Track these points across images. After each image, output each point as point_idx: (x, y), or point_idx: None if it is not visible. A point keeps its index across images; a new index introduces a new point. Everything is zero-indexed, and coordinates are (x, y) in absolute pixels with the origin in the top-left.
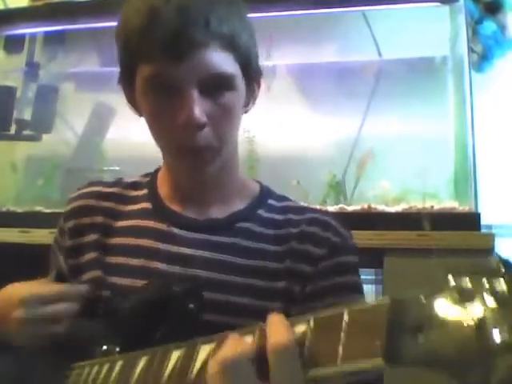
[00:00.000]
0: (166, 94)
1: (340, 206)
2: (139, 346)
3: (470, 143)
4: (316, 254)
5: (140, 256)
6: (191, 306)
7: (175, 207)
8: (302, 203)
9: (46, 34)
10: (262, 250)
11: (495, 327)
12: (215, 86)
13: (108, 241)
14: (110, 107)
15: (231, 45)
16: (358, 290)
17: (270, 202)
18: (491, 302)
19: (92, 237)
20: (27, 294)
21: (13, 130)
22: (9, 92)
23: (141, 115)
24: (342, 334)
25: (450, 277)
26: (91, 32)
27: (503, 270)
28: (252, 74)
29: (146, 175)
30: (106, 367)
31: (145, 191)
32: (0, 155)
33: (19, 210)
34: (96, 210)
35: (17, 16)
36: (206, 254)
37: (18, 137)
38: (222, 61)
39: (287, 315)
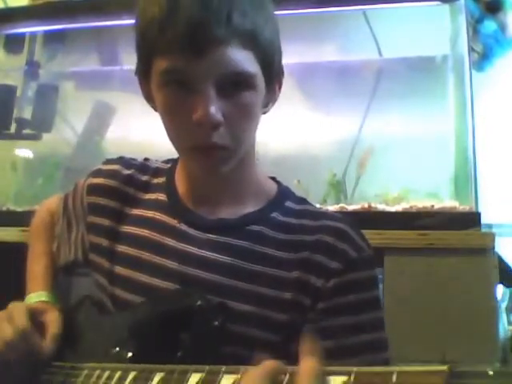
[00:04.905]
0: (182, 91)
1: (340, 205)
2: (152, 353)
3: (470, 142)
4: (329, 267)
5: (146, 249)
6: (216, 322)
7: (188, 203)
8: (321, 207)
9: (46, 33)
10: (270, 256)
11: None
12: (234, 84)
13: (120, 228)
14: (110, 106)
15: (253, 42)
16: (373, 306)
17: (288, 204)
18: None
19: (106, 221)
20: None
21: (13, 129)
22: (9, 91)
23: (157, 110)
24: None
25: None
26: (91, 31)
27: None
28: (273, 74)
29: (168, 161)
30: (117, 374)
31: (163, 179)
32: (0, 154)
33: (19, 209)
34: (116, 194)
35: (17, 15)
36: (211, 255)
37: (18, 136)
38: (243, 59)
39: (295, 328)
